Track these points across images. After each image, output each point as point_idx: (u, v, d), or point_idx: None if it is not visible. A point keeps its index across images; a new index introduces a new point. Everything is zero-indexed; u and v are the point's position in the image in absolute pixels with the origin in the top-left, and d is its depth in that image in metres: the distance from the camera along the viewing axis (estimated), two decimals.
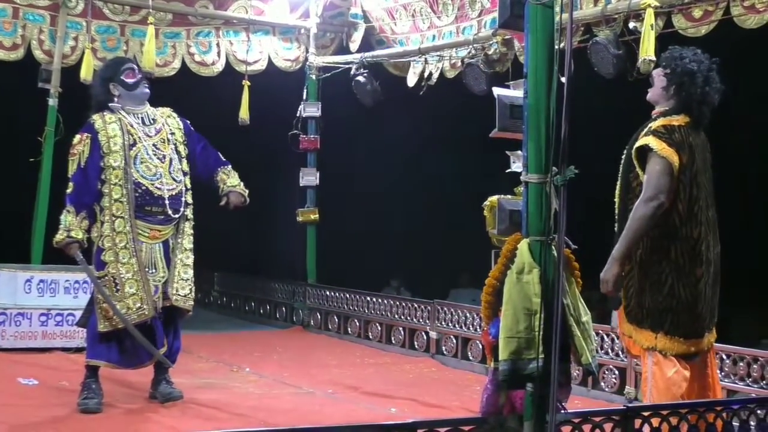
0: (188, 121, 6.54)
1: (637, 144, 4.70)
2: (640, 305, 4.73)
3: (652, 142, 4.62)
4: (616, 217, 4.91)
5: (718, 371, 5.40)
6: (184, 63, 9.80)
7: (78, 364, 6.43)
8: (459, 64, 8.69)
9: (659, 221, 4.62)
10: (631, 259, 4.72)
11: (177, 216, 6.25)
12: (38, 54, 9.09)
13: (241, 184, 6.58)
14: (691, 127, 4.73)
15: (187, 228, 6.33)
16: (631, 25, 6.95)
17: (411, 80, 9.34)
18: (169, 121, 6.41)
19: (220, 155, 6.61)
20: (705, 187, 4.75)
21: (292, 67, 10.42)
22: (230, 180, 6.54)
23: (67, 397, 6.29)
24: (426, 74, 9.04)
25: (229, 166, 6.60)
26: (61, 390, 6.61)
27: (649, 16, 6.62)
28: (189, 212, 6.34)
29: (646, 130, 4.74)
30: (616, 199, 4.92)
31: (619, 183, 4.89)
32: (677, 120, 4.72)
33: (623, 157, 4.87)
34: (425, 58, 9.11)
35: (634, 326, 4.77)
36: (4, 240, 9.23)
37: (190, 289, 6.30)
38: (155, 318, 6.16)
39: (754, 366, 6.11)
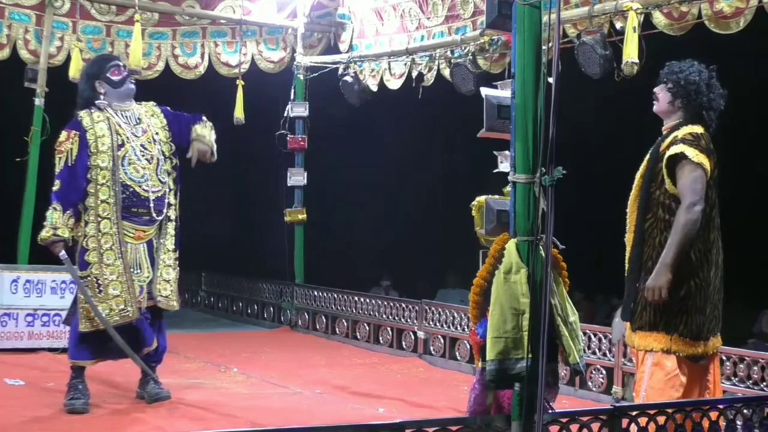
0: (168, 108, 6.48)
1: (670, 152, 4.71)
2: (654, 308, 4.71)
3: (686, 149, 4.66)
4: (630, 227, 4.90)
5: None
6: (167, 65, 9.79)
7: (64, 364, 6.40)
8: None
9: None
10: (644, 265, 4.75)
11: (160, 218, 6.23)
12: (24, 54, 9.06)
13: (213, 137, 6.41)
14: (707, 135, 4.80)
15: (170, 229, 6.30)
16: (618, 25, 6.98)
17: (394, 84, 9.33)
18: (152, 120, 6.36)
19: (197, 115, 6.47)
20: (715, 194, 4.80)
21: (275, 69, 10.41)
22: (200, 130, 6.37)
23: (54, 397, 6.26)
24: (414, 74, 9.02)
25: (205, 122, 6.43)
26: (48, 390, 6.58)
27: (632, 18, 6.65)
28: (171, 213, 6.31)
29: (670, 138, 4.76)
30: (629, 210, 4.92)
31: (634, 194, 4.89)
32: (698, 129, 4.78)
33: (643, 169, 4.87)
34: (413, 59, 9.10)
35: (642, 331, 4.76)
36: None
37: (172, 290, 6.27)
38: (141, 318, 6.14)
39: (741, 365, 6.14)
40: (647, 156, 4.89)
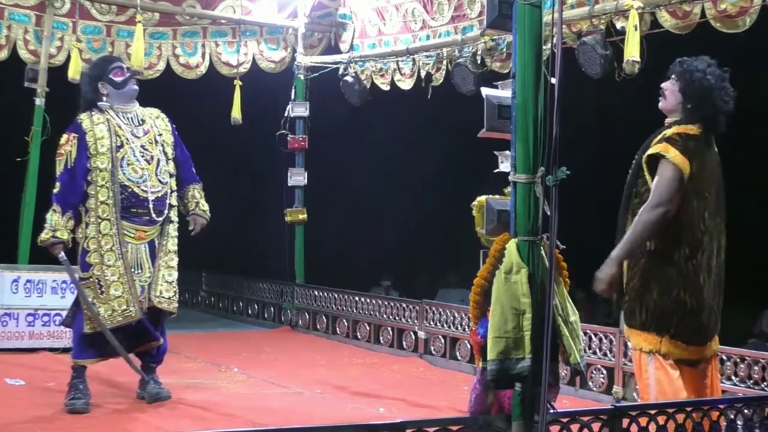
0: (175, 126, 6.52)
1: (650, 151, 4.65)
2: (644, 308, 4.67)
3: (665, 149, 4.59)
4: (618, 226, 4.84)
5: None
6: (168, 65, 9.80)
7: (65, 364, 6.41)
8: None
9: (665, 227, 4.58)
10: (635, 264, 4.71)
11: (161, 218, 6.23)
12: (24, 54, 9.05)
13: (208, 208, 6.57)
14: (704, 136, 4.70)
15: (171, 230, 6.31)
16: (619, 25, 6.98)
17: (406, 84, 9.31)
18: (157, 122, 6.38)
19: (194, 170, 6.56)
20: (713, 196, 4.70)
21: (276, 69, 10.41)
22: (202, 202, 6.53)
23: (55, 397, 6.27)
24: (423, 74, 9.01)
25: (200, 185, 6.56)
26: (49, 390, 6.58)
27: (633, 17, 6.64)
28: (173, 214, 6.33)
29: (659, 137, 4.69)
30: (621, 211, 4.88)
31: (625, 193, 4.83)
32: (692, 129, 4.67)
33: (633, 166, 4.81)
34: (414, 58, 9.09)
35: (634, 330, 4.73)
36: None
37: (175, 292, 6.29)
38: (142, 318, 6.14)
39: (741, 365, 6.14)
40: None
